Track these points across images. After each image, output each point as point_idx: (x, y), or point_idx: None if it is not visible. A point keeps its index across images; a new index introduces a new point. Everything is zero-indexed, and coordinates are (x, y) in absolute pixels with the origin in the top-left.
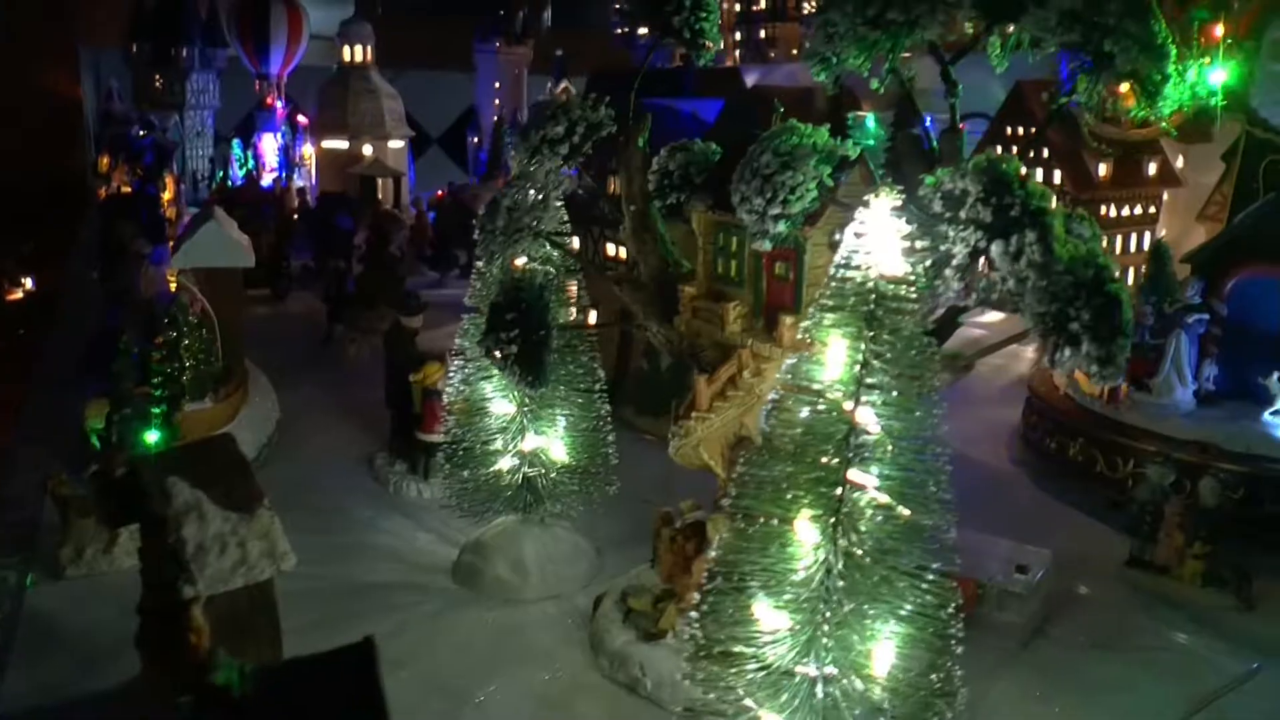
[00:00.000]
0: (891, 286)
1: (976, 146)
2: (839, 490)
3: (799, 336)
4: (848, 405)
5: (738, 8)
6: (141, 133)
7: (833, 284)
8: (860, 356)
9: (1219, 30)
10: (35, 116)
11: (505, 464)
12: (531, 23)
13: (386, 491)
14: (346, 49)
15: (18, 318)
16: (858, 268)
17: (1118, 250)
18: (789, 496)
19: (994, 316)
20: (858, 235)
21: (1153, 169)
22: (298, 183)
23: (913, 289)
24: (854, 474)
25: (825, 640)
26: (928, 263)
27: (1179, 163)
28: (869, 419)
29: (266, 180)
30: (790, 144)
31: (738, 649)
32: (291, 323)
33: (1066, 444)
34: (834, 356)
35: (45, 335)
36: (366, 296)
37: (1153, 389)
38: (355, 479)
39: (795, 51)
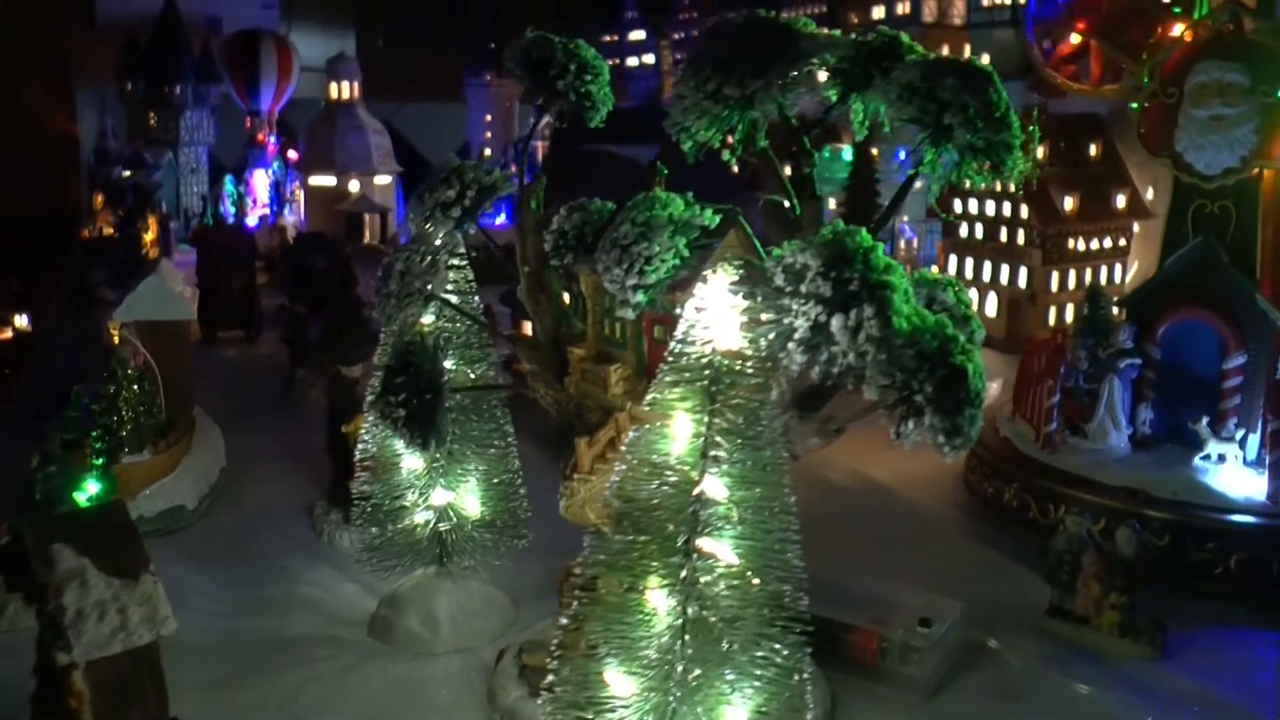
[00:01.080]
0: (729, 361)
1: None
2: (687, 560)
3: (645, 408)
4: (694, 476)
5: None
6: (126, 173)
7: (672, 358)
8: (704, 429)
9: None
10: (32, 155)
11: (417, 518)
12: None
13: (321, 541)
14: (333, 85)
15: (4, 357)
16: (694, 343)
17: (1087, 284)
18: (639, 566)
19: None
20: (697, 309)
21: (1121, 201)
22: (289, 219)
23: (752, 363)
24: (702, 543)
25: (675, 706)
26: (771, 336)
27: (1149, 194)
28: (716, 489)
29: (253, 219)
30: (646, 215)
31: (590, 715)
32: (259, 365)
33: (1002, 489)
34: (679, 428)
35: (17, 377)
36: (331, 339)
37: (1088, 433)
38: (293, 528)
39: None
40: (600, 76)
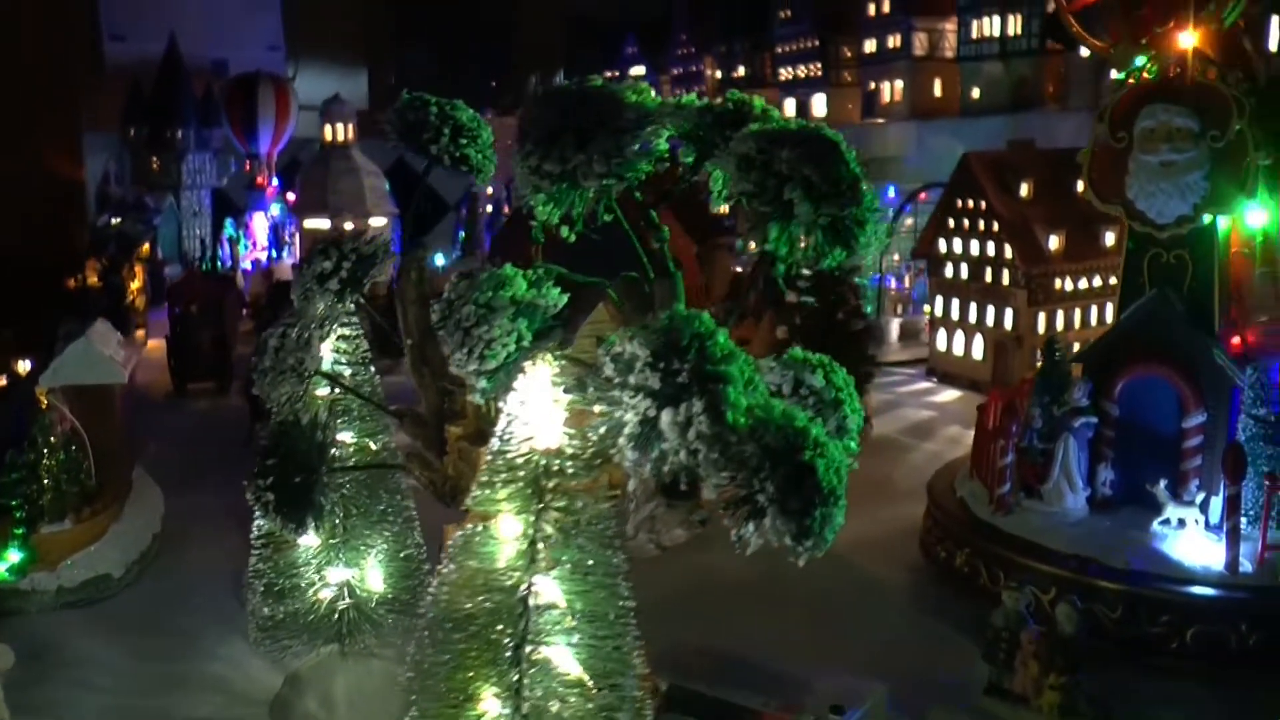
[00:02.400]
0: (550, 460)
1: (930, 218)
2: (517, 668)
3: (471, 508)
4: (523, 579)
5: (719, 75)
6: (115, 220)
7: (491, 456)
8: (531, 530)
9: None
10: (38, 200)
11: (315, 596)
12: (523, 93)
13: (243, 612)
14: (328, 128)
15: None
16: (515, 440)
17: (1076, 325)
18: (467, 673)
19: (948, 395)
20: (519, 404)
21: (1110, 239)
22: (287, 262)
23: (580, 460)
24: (534, 650)
25: None
26: (601, 430)
27: None
28: (547, 593)
29: (247, 263)
30: (487, 296)
31: None
32: (228, 418)
33: (954, 553)
34: (505, 530)
35: None
36: None
37: (1043, 495)
38: (218, 598)
39: None
40: (479, 139)
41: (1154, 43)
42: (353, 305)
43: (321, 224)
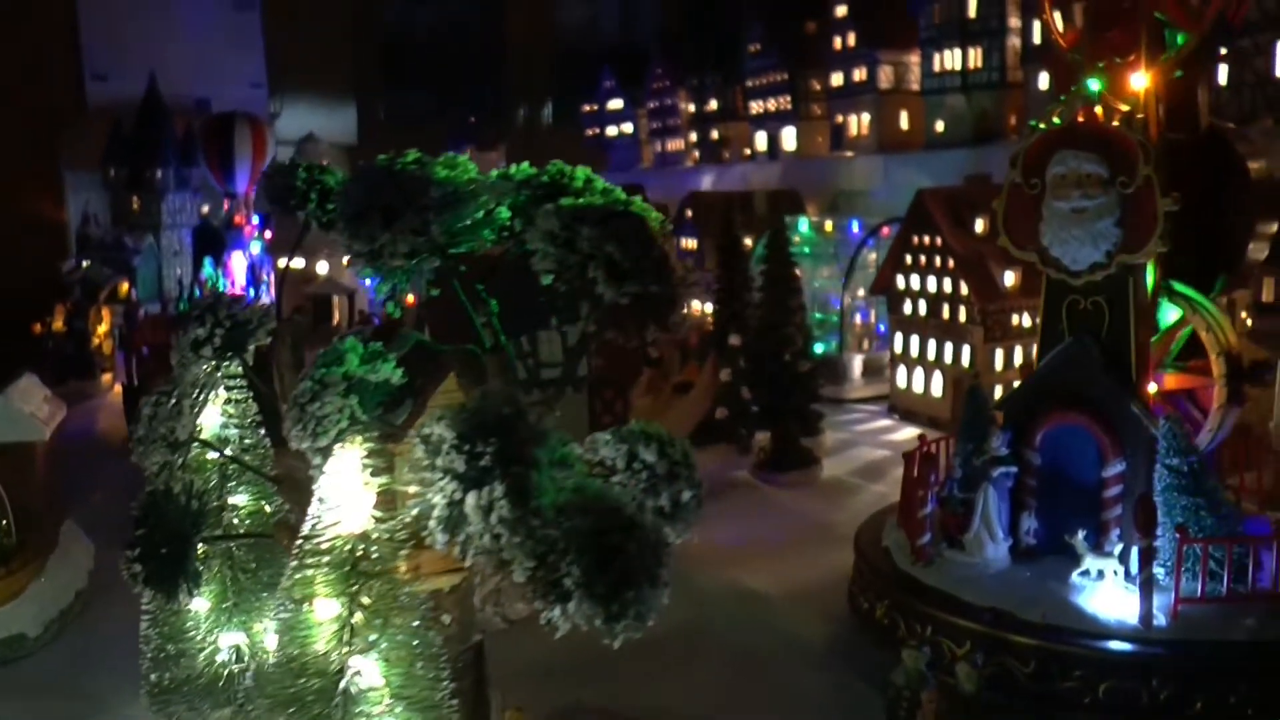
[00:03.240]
0: (360, 543)
1: (888, 252)
2: None
3: (287, 586)
4: (342, 660)
5: (692, 108)
6: (84, 263)
7: (303, 539)
8: (346, 612)
9: None
10: (20, 241)
11: (207, 661)
12: (506, 127)
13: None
14: None
15: None
16: (325, 522)
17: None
18: None
19: (907, 433)
20: (329, 486)
21: None
22: (265, 300)
23: (393, 543)
24: None
25: None
26: (414, 512)
27: None
28: (368, 674)
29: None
30: (322, 371)
31: None
32: None
33: (875, 605)
34: (323, 611)
35: None
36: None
37: (965, 546)
38: (134, 657)
39: (747, 151)
40: None
41: (1110, 69)
42: (238, 370)
43: (296, 262)
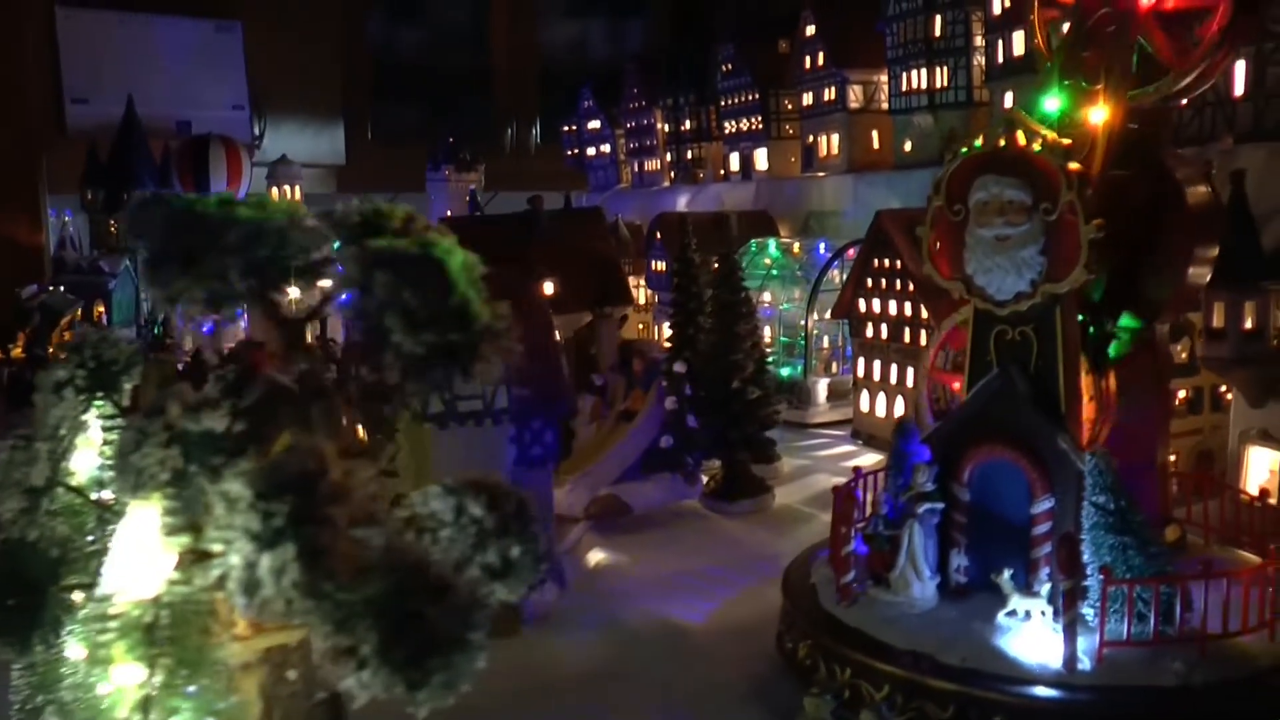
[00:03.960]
0: (153, 608)
1: (849, 275)
2: None
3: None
4: None
5: (666, 128)
6: (50, 288)
7: (94, 603)
8: (146, 677)
9: None
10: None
11: (87, 712)
12: (490, 148)
13: None
14: (274, 189)
15: None
16: (115, 584)
17: None
18: None
19: (868, 459)
20: (126, 545)
21: None
22: (241, 324)
23: (192, 605)
24: None
25: None
26: (214, 573)
27: None
28: None
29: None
30: (140, 422)
31: None
32: None
33: (799, 644)
34: (121, 676)
35: None
36: None
37: (891, 584)
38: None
39: (722, 172)
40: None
41: (1075, 91)
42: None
43: None
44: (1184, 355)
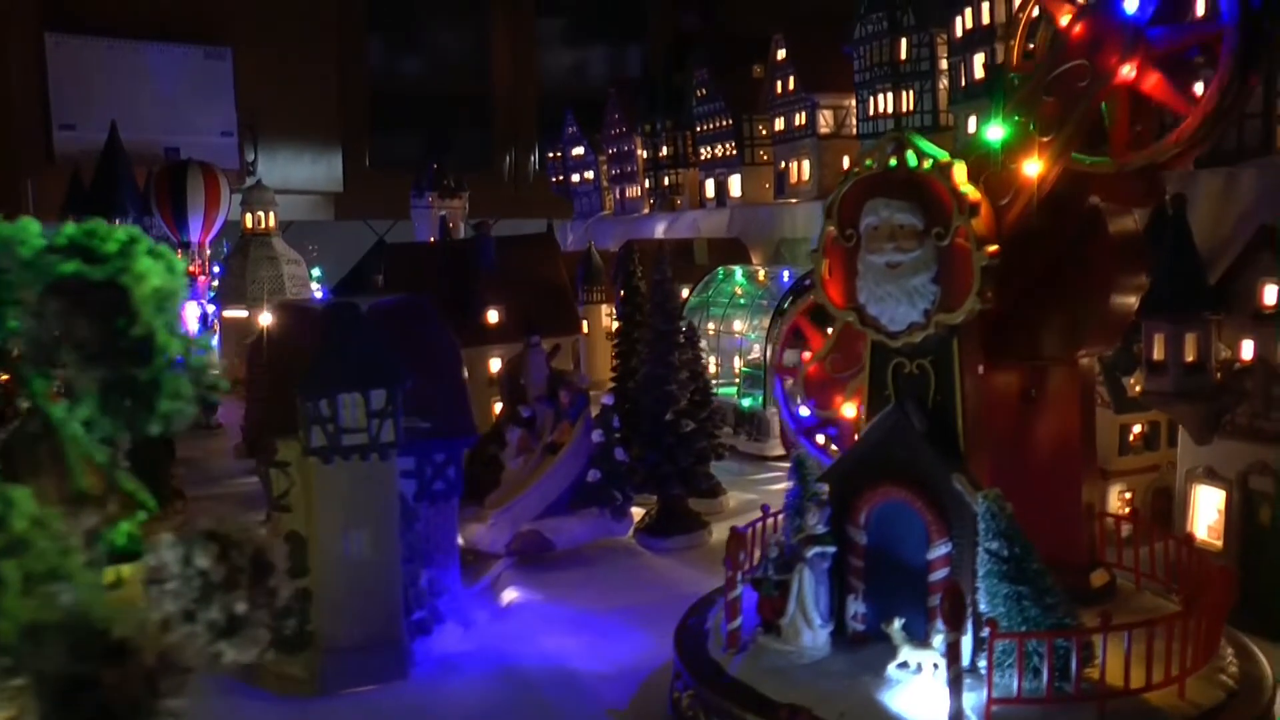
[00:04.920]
0: None
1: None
2: None
3: None
4: None
5: (645, 154)
6: None
7: None
8: None
9: None
10: None
11: None
12: (470, 177)
13: None
14: (248, 215)
15: None
16: None
17: None
18: None
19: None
20: None
21: None
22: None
23: None
24: None
25: None
26: None
27: None
28: None
29: None
30: None
31: None
32: None
33: (683, 694)
34: None
35: None
36: None
37: (782, 632)
38: None
39: (699, 199)
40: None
41: (1023, 130)
42: None
43: (240, 313)
44: (1138, 389)
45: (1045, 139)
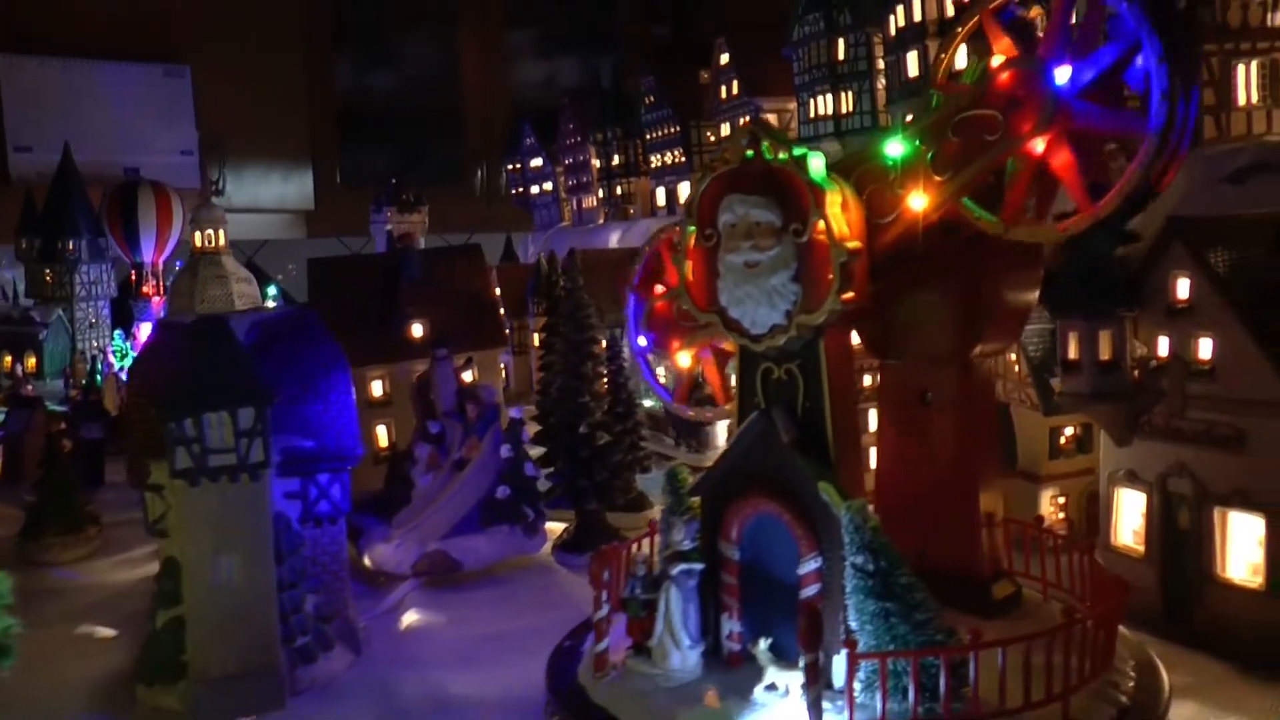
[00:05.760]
0: None
1: None
2: None
3: None
4: None
5: (599, 164)
6: None
7: None
8: None
9: None
10: None
11: None
12: (429, 192)
13: None
14: (197, 235)
15: None
16: None
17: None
18: None
19: None
20: None
21: None
22: None
23: None
24: None
25: None
26: None
27: None
28: None
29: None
30: None
31: None
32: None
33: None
34: None
35: None
36: (29, 530)
37: (651, 653)
38: None
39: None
40: None
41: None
42: None
43: None
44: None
45: (938, 178)
